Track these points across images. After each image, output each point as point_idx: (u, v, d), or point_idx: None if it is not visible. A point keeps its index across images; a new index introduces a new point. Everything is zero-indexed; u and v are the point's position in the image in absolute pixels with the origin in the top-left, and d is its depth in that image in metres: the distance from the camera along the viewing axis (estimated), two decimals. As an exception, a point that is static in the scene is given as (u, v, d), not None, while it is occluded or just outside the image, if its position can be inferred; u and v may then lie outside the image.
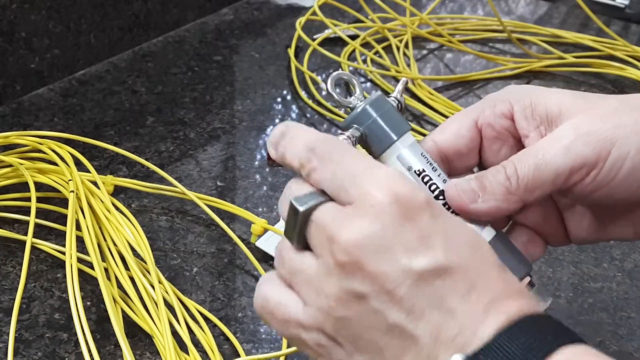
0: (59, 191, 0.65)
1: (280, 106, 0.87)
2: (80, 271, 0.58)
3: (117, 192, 0.70)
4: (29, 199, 0.62)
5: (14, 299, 0.55)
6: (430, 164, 0.44)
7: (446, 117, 0.85)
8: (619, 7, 1.13)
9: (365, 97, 0.44)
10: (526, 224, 0.48)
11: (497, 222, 0.45)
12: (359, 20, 1.01)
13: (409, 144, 0.44)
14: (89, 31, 0.88)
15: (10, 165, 0.66)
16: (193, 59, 0.94)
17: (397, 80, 0.91)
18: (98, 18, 0.88)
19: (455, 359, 0.36)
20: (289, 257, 0.40)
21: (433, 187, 0.44)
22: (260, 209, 0.70)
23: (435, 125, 0.84)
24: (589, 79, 0.97)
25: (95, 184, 0.64)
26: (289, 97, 0.88)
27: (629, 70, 0.96)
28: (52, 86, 0.85)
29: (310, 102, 0.87)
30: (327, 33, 0.98)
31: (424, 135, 0.82)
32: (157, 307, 0.55)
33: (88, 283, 0.60)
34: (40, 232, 0.65)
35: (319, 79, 0.90)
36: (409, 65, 0.95)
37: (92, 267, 0.57)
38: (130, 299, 0.57)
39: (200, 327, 0.57)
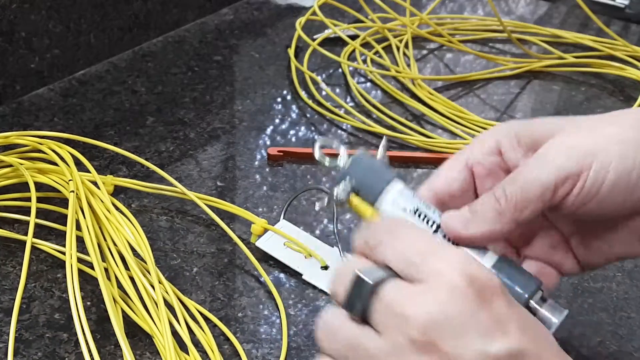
0: (59, 191, 0.65)
1: (280, 106, 0.87)
2: (80, 271, 0.58)
3: (117, 192, 0.70)
4: (29, 199, 0.62)
5: (14, 299, 0.55)
6: (423, 203, 0.46)
7: (446, 117, 0.85)
8: (619, 7, 1.12)
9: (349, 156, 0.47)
10: (536, 257, 0.49)
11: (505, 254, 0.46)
12: (359, 20, 1.01)
13: (399, 189, 0.46)
14: (89, 31, 0.88)
15: (10, 165, 0.66)
16: (193, 59, 0.94)
17: (398, 80, 0.91)
18: (98, 18, 0.88)
19: None
20: (347, 329, 0.38)
21: (430, 222, 0.45)
22: (260, 209, 0.70)
23: (435, 125, 0.85)
24: (589, 79, 0.96)
25: (95, 184, 0.64)
26: (289, 97, 0.88)
27: (629, 70, 0.96)
28: (52, 86, 0.85)
29: (310, 102, 0.87)
30: (327, 33, 0.98)
31: (424, 135, 0.82)
32: (157, 307, 0.55)
33: (88, 283, 0.60)
34: (41, 232, 0.65)
35: (319, 79, 0.90)
36: (409, 65, 0.95)
37: (92, 267, 0.57)
38: (130, 299, 0.57)
39: (200, 327, 0.57)
